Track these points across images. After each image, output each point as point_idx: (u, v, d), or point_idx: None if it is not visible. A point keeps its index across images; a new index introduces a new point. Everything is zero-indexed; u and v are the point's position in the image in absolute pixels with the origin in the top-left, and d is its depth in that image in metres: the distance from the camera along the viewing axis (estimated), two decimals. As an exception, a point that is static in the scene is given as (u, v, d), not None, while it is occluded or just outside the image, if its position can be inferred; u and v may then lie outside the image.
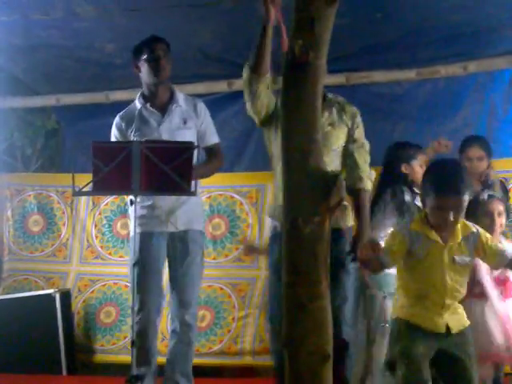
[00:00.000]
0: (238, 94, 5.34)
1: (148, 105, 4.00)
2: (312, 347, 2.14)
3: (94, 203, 5.61)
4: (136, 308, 3.76)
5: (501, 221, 3.76)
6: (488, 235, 3.12)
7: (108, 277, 5.41)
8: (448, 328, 3.01)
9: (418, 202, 4.05)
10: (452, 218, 2.96)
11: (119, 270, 5.36)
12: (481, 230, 3.11)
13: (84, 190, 3.67)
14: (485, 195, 3.93)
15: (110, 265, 5.45)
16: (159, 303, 3.96)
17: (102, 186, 3.56)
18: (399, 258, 3.08)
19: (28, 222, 5.74)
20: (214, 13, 4.51)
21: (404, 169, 4.20)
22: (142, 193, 3.61)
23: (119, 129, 4.03)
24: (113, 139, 4.05)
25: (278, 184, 3.48)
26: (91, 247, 5.55)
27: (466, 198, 2.98)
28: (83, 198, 5.54)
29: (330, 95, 3.56)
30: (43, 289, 5.39)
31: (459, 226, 3.06)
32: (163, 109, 3.99)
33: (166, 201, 3.87)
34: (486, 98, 5.04)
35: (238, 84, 5.24)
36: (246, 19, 4.55)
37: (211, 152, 4.07)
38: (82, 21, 4.60)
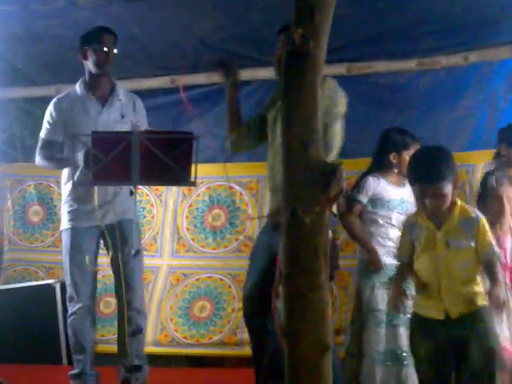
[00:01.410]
0: (239, 84, 5.36)
1: (90, 94, 4.00)
2: (312, 338, 2.14)
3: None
4: (74, 300, 3.93)
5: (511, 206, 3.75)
6: (486, 227, 3.07)
7: (108, 267, 5.40)
8: (448, 315, 3.00)
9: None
10: (433, 206, 2.97)
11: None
12: (481, 218, 3.07)
13: (84, 180, 3.68)
14: (493, 181, 3.95)
15: (110, 255, 5.46)
16: (94, 294, 4.09)
17: (102, 176, 3.56)
18: (407, 251, 3.14)
19: (28, 213, 5.75)
20: (214, 3, 4.50)
21: (392, 158, 4.14)
22: (141, 183, 3.62)
23: (59, 110, 4.00)
24: (48, 121, 4.02)
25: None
26: (91, 237, 5.56)
27: (444, 184, 2.95)
28: (83, 188, 5.53)
29: None
30: (43, 279, 5.41)
31: (457, 209, 3.05)
32: (104, 100, 4.01)
33: (100, 195, 3.87)
34: (487, 89, 5.02)
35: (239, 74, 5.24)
36: (246, 9, 4.54)
37: None
38: (81, 10, 4.59)
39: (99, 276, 5.35)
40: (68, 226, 3.98)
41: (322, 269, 2.17)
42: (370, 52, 5.05)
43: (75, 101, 4.01)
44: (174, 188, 5.39)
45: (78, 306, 3.93)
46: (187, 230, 5.35)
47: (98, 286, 5.32)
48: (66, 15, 4.69)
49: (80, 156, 3.70)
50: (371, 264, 4.05)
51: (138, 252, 3.68)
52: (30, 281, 5.38)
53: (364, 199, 4.09)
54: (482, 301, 3.06)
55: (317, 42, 2.16)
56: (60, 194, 5.62)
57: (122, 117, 3.95)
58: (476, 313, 3.03)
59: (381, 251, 4.05)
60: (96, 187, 3.83)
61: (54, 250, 5.62)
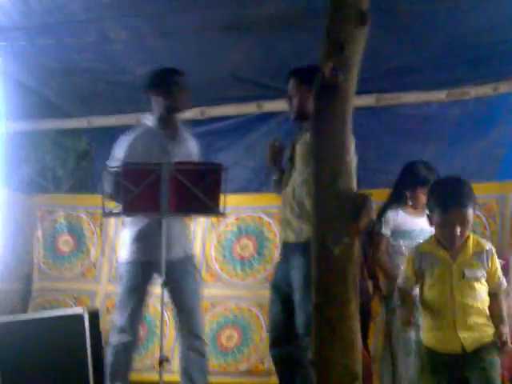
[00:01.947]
0: (268, 116, 5.41)
1: (163, 130, 4.12)
2: (341, 367, 2.13)
3: (122, 224, 5.65)
4: (125, 331, 3.97)
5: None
6: (497, 260, 3.08)
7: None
8: (464, 348, 2.97)
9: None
10: (458, 233, 2.97)
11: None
12: (494, 250, 3.08)
13: (114, 211, 3.72)
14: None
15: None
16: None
17: (132, 207, 3.60)
18: (413, 281, 3.14)
19: (58, 242, 5.79)
20: (244, 35, 4.55)
21: (408, 192, 4.16)
22: (171, 214, 3.64)
23: (133, 144, 4.08)
24: (121, 153, 4.10)
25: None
26: (120, 267, 5.59)
27: (471, 211, 2.98)
28: (112, 219, 5.58)
29: None
30: (72, 308, 5.43)
31: (471, 242, 3.05)
32: (174, 137, 4.15)
33: (163, 228, 3.87)
34: (517, 119, 5.00)
35: (268, 106, 5.29)
36: (276, 41, 4.58)
37: None
38: (114, 44, 4.67)
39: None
40: (130, 259, 4.04)
41: (352, 299, 2.17)
42: (398, 83, 5.05)
43: (149, 137, 4.11)
44: (203, 218, 5.41)
45: (129, 338, 3.97)
46: (215, 259, 5.36)
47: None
48: (99, 49, 4.76)
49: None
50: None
51: (165, 283, 3.70)
52: (59, 310, 5.40)
53: (388, 232, 4.14)
54: (493, 333, 3.05)
55: (347, 74, 2.19)
56: (89, 224, 5.72)
57: (190, 153, 4.13)
58: (487, 346, 3.01)
59: None
60: (163, 222, 3.82)
61: (83, 280, 5.65)
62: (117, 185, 3.87)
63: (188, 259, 4.13)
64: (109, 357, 4.05)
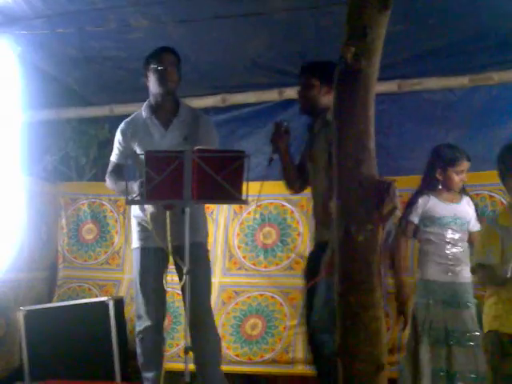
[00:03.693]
0: (289, 103, 5.38)
1: (153, 116, 4.02)
2: (366, 357, 2.12)
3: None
4: (142, 318, 3.97)
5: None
6: None
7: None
8: None
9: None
10: None
11: (170, 277, 5.40)
12: None
13: (136, 198, 3.72)
14: None
15: (162, 273, 5.50)
16: (163, 313, 4.06)
17: (154, 194, 3.59)
18: (499, 256, 2.94)
19: (82, 231, 5.84)
20: (265, 23, 4.53)
21: (438, 174, 4.12)
22: (194, 201, 3.64)
23: (124, 135, 4.08)
24: (116, 145, 4.12)
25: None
26: (143, 255, 5.61)
27: None
28: (135, 207, 5.60)
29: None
30: (97, 296, 5.47)
31: None
32: (167, 122, 4.01)
33: (168, 214, 3.82)
34: (541, 104, 4.93)
35: (289, 92, 5.27)
36: (296, 28, 4.56)
37: None
38: (134, 32, 4.67)
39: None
40: (137, 246, 4.03)
41: (376, 287, 2.16)
42: (421, 68, 5.01)
43: (139, 124, 4.05)
44: (225, 206, 5.42)
45: (145, 324, 3.95)
46: (238, 247, 5.38)
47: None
48: (119, 36, 4.77)
49: (135, 186, 3.76)
50: (397, 295, 4.03)
51: (189, 271, 3.67)
52: (84, 298, 5.45)
53: (415, 219, 4.10)
54: None
55: (369, 59, 2.17)
56: (112, 212, 5.75)
57: (185, 138, 3.90)
58: None
59: (436, 269, 4.02)
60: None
61: (107, 268, 5.70)
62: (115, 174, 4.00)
63: (197, 246, 3.97)
64: (136, 349, 4.06)
